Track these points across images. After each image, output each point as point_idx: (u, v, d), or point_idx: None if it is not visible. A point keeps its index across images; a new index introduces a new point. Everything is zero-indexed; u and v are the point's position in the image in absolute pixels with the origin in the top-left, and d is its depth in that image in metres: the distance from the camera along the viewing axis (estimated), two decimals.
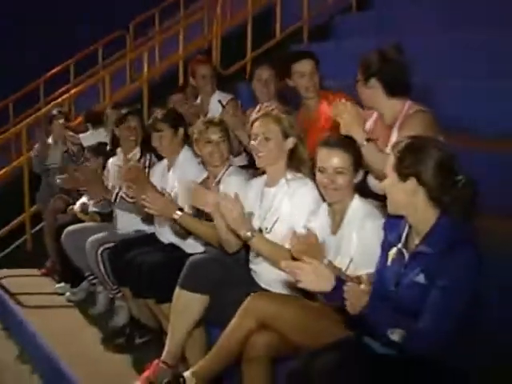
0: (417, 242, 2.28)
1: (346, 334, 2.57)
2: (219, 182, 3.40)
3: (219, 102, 4.43)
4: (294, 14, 6.66)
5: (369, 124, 3.16)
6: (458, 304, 2.14)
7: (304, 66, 3.80)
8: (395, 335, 2.12)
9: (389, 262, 2.36)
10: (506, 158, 3.49)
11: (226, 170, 3.43)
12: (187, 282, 3.04)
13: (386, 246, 2.40)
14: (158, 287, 3.31)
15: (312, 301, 2.81)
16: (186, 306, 3.04)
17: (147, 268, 3.45)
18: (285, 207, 2.95)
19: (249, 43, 6.36)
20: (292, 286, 2.86)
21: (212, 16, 6.63)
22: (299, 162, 2.99)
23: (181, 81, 6.10)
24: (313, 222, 2.82)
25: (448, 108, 4.14)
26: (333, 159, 2.67)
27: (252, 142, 3.04)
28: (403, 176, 2.23)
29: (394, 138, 3.00)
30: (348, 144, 2.72)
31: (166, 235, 3.76)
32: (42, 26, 8.65)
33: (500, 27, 4.64)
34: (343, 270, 2.56)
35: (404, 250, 2.30)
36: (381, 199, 2.97)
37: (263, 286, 3.03)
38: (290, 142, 2.99)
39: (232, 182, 3.28)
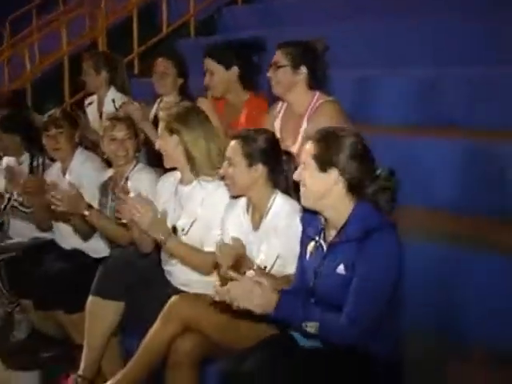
0: (333, 234, 2.27)
1: (269, 330, 2.53)
2: (127, 179, 3.27)
3: (112, 101, 4.26)
4: (180, 7, 6.57)
5: (280, 115, 3.22)
6: (378, 294, 2.15)
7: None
8: (310, 328, 2.13)
9: (307, 257, 2.35)
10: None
11: (134, 166, 3.31)
12: (101, 289, 2.94)
13: (304, 240, 2.39)
14: (66, 297, 3.17)
15: None
16: (101, 315, 2.94)
17: (52, 277, 3.29)
18: (202, 209, 2.86)
19: (135, 38, 6.23)
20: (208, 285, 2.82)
21: (95, 10, 6.40)
22: (192, 161, 2.87)
23: (66, 78, 5.85)
24: (230, 218, 2.75)
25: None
26: None
27: None
28: (324, 166, 2.21)
29: (303, 128, 3.08)
30: None
31: (68, 241, 3.60)
32: None
33: (391, 16, 4.76)
34: (269, 266, 2.54)
35: (322, 243, 2.30)
36: None
37: (179, 287, 2.94)
38: (171, 142, 2.88)
39: (142, 179, 3.18)
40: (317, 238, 2.32)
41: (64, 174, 3.67)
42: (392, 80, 4.08)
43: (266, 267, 2.55)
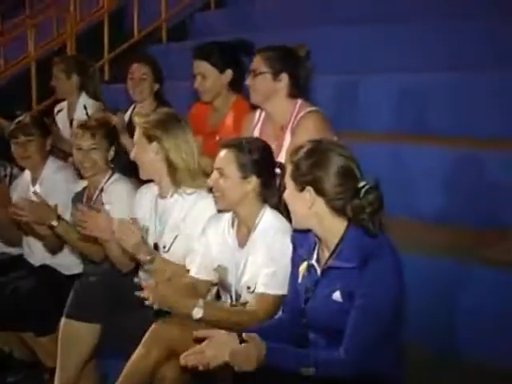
0: (327, 255, 2.13)
1: None
2: (102, 190, 3.10)
3: (84, 107, 4.08)
4: (151, 13, 6.44)
5: (258, 125, 3.06)
6: (379, 321, 2.01)
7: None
8: (307, 372, 1.97)
9: (300, 279, 2.20)
10: None
11: (110, 177, 3.12)
12: (75, 311, 2.77)
13: (296, 261, 2.24)
14: (37, 317, 3.00)
15: None
16: (75, 338, 2.77)
17: (21, 296, 3.09)
18: (185, 223, 2.68)
19: (106, 44, 6.06)
20: None
21: (63, 14, 6.22)
22: (174, 171, 2.69)
23: (34, 84, 5.64)
24: (213, 230, 2.57)
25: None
26: None
27: None
28: (300, 185, 2.08)
29: (287, 141, 2.92)
30: None
31: (37, 257, 3.41)
32: None
33: (374, 22, 4.69)
34: (252, 287, 2.39)
35: (316, 265, 2.15)
36: None
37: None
38: (150, 150, 2.70)
39: (118, 190, 3.00)
40: (309, 259, 2.17)
41: (34, 184, 3.47)
42: (375, 87, 4.02)
43: (249, 287, 2.41)
